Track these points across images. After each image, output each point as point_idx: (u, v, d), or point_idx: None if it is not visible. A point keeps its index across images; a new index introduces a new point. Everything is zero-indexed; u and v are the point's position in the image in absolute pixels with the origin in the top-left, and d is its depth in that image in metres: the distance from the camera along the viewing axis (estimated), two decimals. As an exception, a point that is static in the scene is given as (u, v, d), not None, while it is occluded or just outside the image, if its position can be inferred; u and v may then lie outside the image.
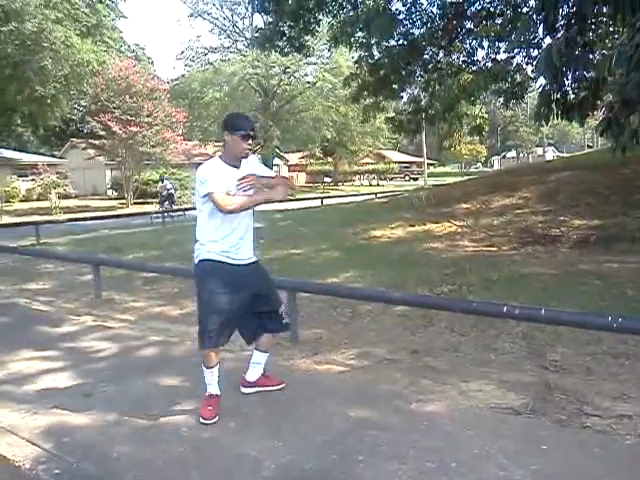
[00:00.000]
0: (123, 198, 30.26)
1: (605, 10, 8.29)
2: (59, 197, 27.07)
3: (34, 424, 3.36)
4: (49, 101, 31.52)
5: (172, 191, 21.57)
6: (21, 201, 30.80)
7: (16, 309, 6.72)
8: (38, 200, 29.41)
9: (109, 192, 36.70)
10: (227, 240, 3.35)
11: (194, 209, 3.65)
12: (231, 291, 3.33)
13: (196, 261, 3.44)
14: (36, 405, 3.62)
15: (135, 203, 29.17)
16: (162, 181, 22.12)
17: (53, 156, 41.37)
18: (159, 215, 19.32)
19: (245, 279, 3.40)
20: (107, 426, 3.31)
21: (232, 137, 3.36)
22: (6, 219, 22.10)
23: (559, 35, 8.20)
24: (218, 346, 3.43)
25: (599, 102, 9.93)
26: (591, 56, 8.80)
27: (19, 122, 40.09)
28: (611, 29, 10.02)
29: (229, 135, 3.38)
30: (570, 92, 9.51)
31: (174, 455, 2.96)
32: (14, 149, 39.08)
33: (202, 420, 3.31)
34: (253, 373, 3.73)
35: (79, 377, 4.17)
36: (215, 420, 3.32)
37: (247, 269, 3.44)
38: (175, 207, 20.99)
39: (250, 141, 3.39)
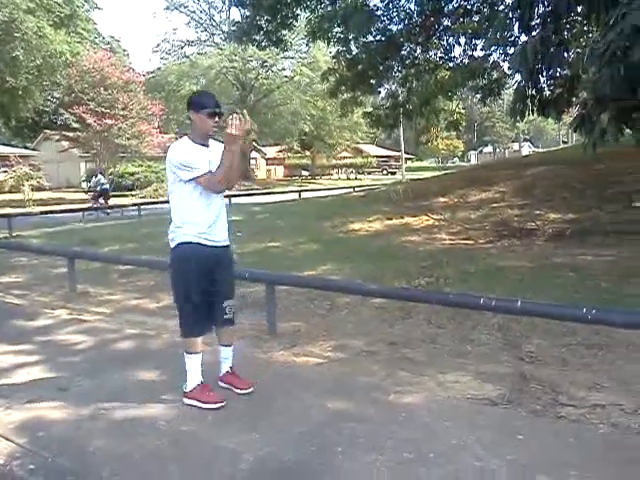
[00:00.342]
0: (98, 190, 29.81)
1: (580, 9, 8.41)
2: (32, 189, 26.58)
3: (8, 419, 3.29)
4: (21, 92, 30.83)
5: (106, 186, 21.10)
6: (-8, 193, 30.21)
7: (-12, 303, 6.58)
8: (10, 192, 28.84)
9: (84, 184, 36.17)
10: (203, 220, 3.32)
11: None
12: (207, 275, 3.34)
13: (173, 245, 3.40)
14: (10, 400, 3.55)
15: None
16: (96, 176, 21.41)
17: (26, 148, 40.61)
18: (92, 212, 18.73)
19: (218, 258, 3.39)
20: (83, 420, 3.26)
21: (198, 116, 3.31)
22: (-23, 212, 21.62)
23: (535, 33, 8.31)
24: (202, 333, 3.43)
25: (574, 99, 10.09)
26: (566, 54, 8.94)
27: (-11, 113, 39.29)
28: (585, 28, 10.17)
29: (195, 114, 3.32)
30: (546, 89, 9.66)
31: (151, 448, 2.93)
32: (-16, 140, 38.33)
33: (211, 406, 3.32)
34: (225, 368, 3.70)
35: (54, 371, 4.09)
36: (224, 403, 3.34)
37: (221, 251, 3.43)
38: (110, 202, 20.51)
39: (217, 119, 3.33)
